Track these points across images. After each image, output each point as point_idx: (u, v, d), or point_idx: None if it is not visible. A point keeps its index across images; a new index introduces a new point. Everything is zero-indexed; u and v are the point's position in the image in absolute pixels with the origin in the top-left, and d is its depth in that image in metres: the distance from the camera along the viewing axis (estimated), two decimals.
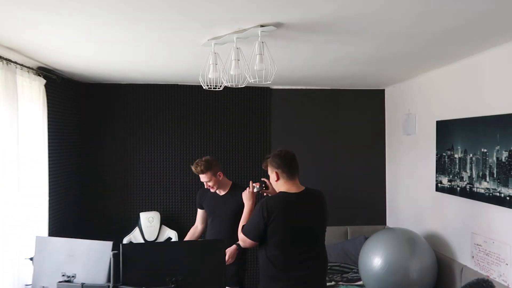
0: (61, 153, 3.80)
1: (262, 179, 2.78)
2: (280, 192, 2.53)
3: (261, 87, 4.55)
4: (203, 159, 3.18)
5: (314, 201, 2.58)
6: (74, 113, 4.15)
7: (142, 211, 4.33)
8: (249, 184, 2.78)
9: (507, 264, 2.78)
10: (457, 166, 3.30)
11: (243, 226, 2.57)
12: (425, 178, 3.86)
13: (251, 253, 4.50)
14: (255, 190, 2.76)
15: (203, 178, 3.14)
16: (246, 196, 2.74)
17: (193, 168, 3.14)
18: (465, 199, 3.21)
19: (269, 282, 2.49)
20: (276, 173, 2.52)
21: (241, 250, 3.09)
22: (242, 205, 3.21)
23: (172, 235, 4.29)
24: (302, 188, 2.56)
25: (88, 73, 3.83)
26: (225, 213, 3.22)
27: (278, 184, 2.54)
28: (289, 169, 2.53)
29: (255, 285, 4.51)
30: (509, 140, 2.71)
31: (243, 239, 2.53)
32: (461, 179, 3.25)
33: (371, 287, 3.55)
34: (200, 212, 3.40)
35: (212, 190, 3.22)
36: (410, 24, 2.29)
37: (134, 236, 4.22)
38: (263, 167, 2.68)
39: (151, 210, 4.37)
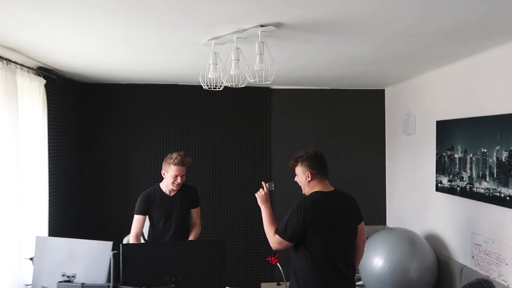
0: (61, 153, 3.81)
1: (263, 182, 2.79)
2: (315, 192, 2.54)
3: (261, 87, 4.55)
4: (183, 152, 3.19)
5: (347, 201, 2.62)
6: (74, 113, 4.15)
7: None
8: (261, 185, 2.71)
9: (507, 264, 2.78)
10: (457, 166, 3.30)
11: (276, 228, 2.52)
12: (425, 178, 3.86)
13: (246, 253, 4.51)
14: (269, 189, 2.70)
15: (181, 171, 3.12)
16: (262, 199, 2.66)
17: (179, 157, 3.08)
18: (465, 199, 3.21)
19: (308, 285, 2.47)
20: (310, 173, 2.56)
21: None
22: (191, 203, 3.31)
23: None
24: (332, 188, 2.60)
25: (88, 73, 3.83)
26: (178, 213, 3.24)
27: (311, 184, 2.57)
28: (323, 170, 2.59)
29: (254, 285, 4.52)
30: (509, 140, 2.71)
31: (278, 241, 2.48)
32: (461, 179, 3.25)
33: (371, 287, 3.55)
34: (141, 218, 3.19)
35: (176, 188, 3.19)
36: (410, 24, 2.29)
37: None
38: (289, 166, 2.66)
39: None
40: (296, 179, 2.65)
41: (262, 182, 2.74)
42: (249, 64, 2.47)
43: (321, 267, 2.47)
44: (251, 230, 4.55)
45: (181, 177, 3.15)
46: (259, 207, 2.67)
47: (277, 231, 2.50)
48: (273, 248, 2.56)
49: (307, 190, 2.60)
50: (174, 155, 3.15)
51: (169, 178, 3.16)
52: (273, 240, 2.51)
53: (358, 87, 4.70)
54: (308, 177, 2.56)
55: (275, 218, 2.64)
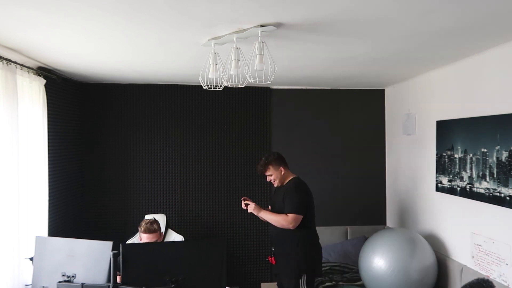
0: (61, 153, 3.80)
1: (243, 198, 3.45)
2: (296, 177, 3.36)
3: (261, 87, 4.55)
4: (154, 219, 3.24)
5: None
6: (74, 113, 4.15)
7: (148, 214, 4.27)
8: (246, 201, 3.38)
9: (507, 264, 2.78)
10: (457, 166, 3.30)
11: (289, 210, 3.15)
12: (425, 178, 3.86)
13: (254, 252, 4.51)
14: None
15: (151, 238, 3.14)
16: (256, 209, 3.31)
17: (145, 226, 3.14)
18: (465, 199, 3.21)
19: (312, 246, 3.28)
20: (282, 168, 3.34)
21: None
22: None
23: (178, 239, 4.22)
24: None
25: (88, 73, 3.83)
26: None
27: (285, 174, 3.35)
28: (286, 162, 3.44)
29: (254, 285, 4.52)
30: (509, 140, 2.71)
31: (295, 218, 3.14)
32: (461, 179, 3.25)
33: (371, 287, 3.55)
34: None
35: None
36: (410, 24, 2.29)
37: (138, 240, 4.15)
38: (260, 172, 3.39)
39: (157, 213, 4.26)
40: (269, 178, 3.37)
41: (243, 199, 3.41)
42: (249, 64, 2.47)
43: (315, 233, 3.32)
44: (251, 230, 4.55)
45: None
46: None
47: (290, 211, 3.15)
48: (291, 227, 3.15)
49: (282, 181, 3.35)
50: (142, 223, 3.20)
51: None
52: (289, 219, 3.14)
53: (358, 87, 4.70)
54: (282, 171, 3.34)
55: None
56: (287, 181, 3.36)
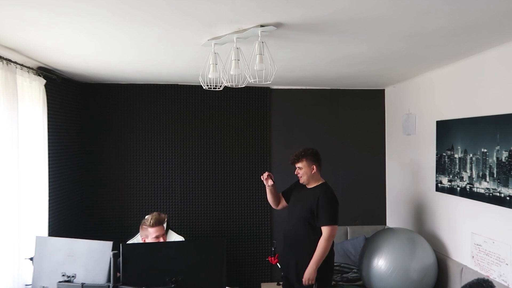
0: (61, 153, 3.80)
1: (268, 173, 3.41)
2: (325, 182, 3.29)
3: (261, 87, 4.55)
4: (156, 213, 3.19)
5: None
6: (74, 113, 4.15)
7: (148, 214, 4.25)
8: (265, 176, 3.38)
9: (507, 264, 2.78)
10: (457, 166, 3.30)
11: (326, 222, 3.12)
12: (425, 178, 3.86)
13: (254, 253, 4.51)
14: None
15: (161, 230, 3.11)
16: (312, 272, 3.13)
17: (154, 218, 3.09)
18: (465, 199, 3.21)
19: (329, 253, 3.18)
20: (316, 166, 3.27)
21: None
22: None
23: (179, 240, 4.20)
24: None
25: (88, 73, 3.83)
26: None
27: (315, 174, 3.28)
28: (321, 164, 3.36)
29: (254, 285, 4.52)
30: (509, 140, 2.71)
31: (334, 230, 3.14)
32: (461, 179, 3.25)
33: (371, 287, 3.55)
34: None
35: None
36: (410, 24, 2.29)
37: (138, 240, 4.14)
38: (292, 161, 3.30)
39: None
40: (298, 171, 3.28)
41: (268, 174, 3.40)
42: (249, 64, 2.48)
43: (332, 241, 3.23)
44: (251, 230, 4.55)
45: (163, 236, 3.13)
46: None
47: (326, 224, 3.12)
48: (333, 238, 3.16)
49: (310, 180, 3.28)
50: (148, 217, 3.13)
51: (151, 241, 3.10)
52: (331, 235, 3.12)
53: (358, 87, 4.70)
54: (313, 169, 3.25)
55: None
56: (315, 184, 3.30)
